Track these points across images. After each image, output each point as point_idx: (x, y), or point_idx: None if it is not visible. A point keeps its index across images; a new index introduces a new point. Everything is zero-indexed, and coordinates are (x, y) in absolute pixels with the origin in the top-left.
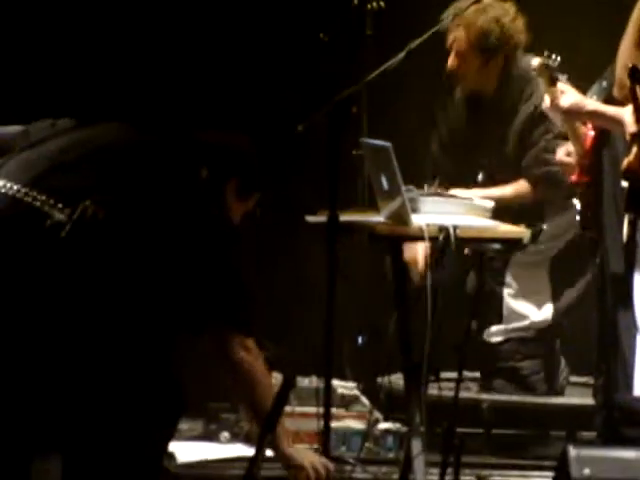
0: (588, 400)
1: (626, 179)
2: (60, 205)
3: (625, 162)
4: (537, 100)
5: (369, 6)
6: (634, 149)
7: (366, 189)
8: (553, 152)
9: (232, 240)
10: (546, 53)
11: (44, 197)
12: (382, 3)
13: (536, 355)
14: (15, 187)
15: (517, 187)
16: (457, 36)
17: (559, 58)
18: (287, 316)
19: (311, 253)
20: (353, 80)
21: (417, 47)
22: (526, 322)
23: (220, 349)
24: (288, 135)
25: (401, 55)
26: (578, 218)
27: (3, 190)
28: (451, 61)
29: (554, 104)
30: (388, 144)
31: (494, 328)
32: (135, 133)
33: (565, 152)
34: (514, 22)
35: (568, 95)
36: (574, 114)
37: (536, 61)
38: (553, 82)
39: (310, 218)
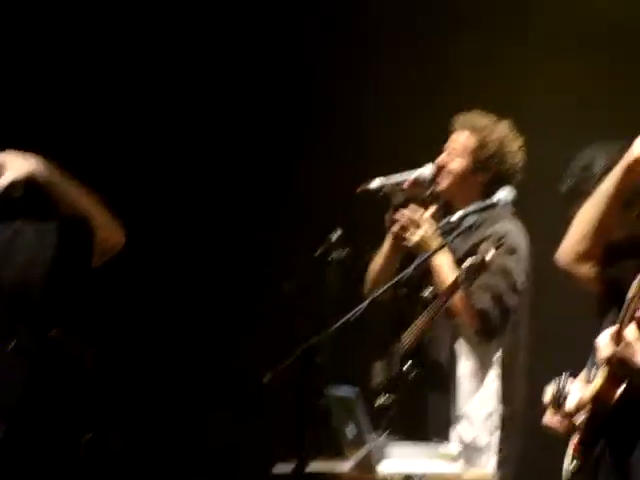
0: None
1: (593, 410)
2: None
3: (593, 389)
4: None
5: (331, 256)
6: (603, 374)
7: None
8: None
9: None
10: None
11: None
12: (344, 253)
13: None
14: None
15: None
16: (459, 137)
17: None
18: None
19: None
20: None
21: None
22: None
23: None
24: (255, 386)
25: (364, 305)
26: None
27: None
28: (443, 157)
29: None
30: (353, 394)
31: None
32: None
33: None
34: (517, 151)
35: None
36: None
37: None
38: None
39: (276, 469)
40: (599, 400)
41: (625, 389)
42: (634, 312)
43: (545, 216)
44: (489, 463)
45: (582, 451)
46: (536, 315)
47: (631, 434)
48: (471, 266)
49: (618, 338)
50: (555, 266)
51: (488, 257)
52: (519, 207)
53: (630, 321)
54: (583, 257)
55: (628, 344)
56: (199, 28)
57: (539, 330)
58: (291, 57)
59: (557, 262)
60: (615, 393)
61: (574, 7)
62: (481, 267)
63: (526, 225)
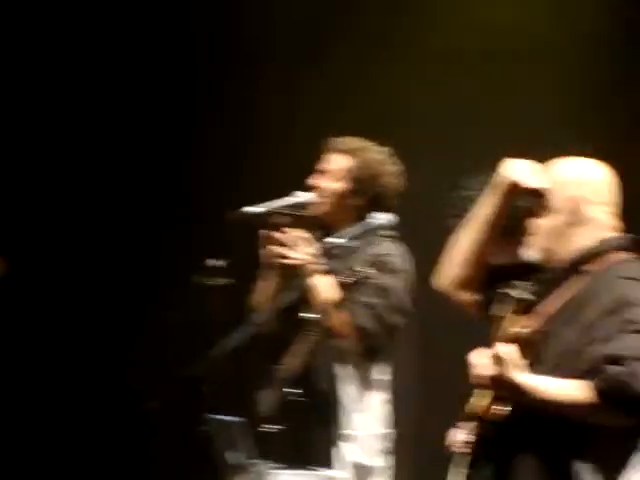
0: None
1: (467, 420)
2: None
3: (470, 404)
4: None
5: (212, 282)
6: (480, 392)
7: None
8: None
9: None
10: None
11: None
12: (224, 280)
13: None
14: None
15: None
16: (336, 159)
17: None
18: None
19: None
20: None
21: None
22: None
23: None
24: (143, 414)
25: (247, 330)
26: None
27: None
28: (320, 180)
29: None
30: (236, 419)
31: None
32: None
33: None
34: (396, 175)
35: None
36: None
37: None
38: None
39: None
40: (485, 421)
41: (512, 409)
42: (512, 333)
43: (427, 241)
44: None
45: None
46: (426, 337)
47: (520, 452)
48: (347, 284)
49: (495, 357)
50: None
51: (362, 274)
52: (401, 231)
53: (505, 340)
54: (461, 283)
55: (508, 363)
56: (86, 22)
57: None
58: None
59: (435, 287)
60: (502, 412)
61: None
62: (356, 284)
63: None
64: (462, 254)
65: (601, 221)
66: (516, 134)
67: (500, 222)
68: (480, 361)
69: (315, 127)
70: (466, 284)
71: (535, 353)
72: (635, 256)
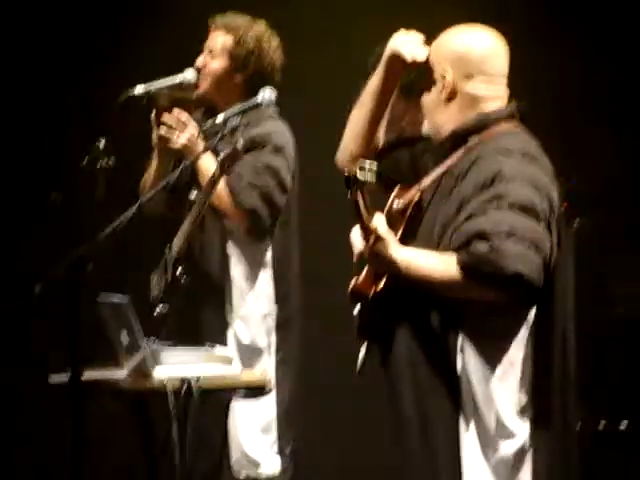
0: None
1: (353, 301)
2: None
3: (353, 282)
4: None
5: (99, 164)
6: (365, 269)
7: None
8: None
9: None
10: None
11: None
12: (112, 161)
13: None
14: None
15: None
16: (216, 36)
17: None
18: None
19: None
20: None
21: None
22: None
23: None
24: (26, 297)
25: (131, 211)
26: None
27: None
28: (201, 59)
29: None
30: (125, 300)
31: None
32: None
33: None
34: (275, 49)
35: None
36: None
37: None
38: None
39: (53, 378)
40: (359, 294)
41: (385, 283)
42: (390, 205)
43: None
44: (267, 364)
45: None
46: (306, 218)
47: (397, 328)
48: (225, 157)
49: (365, 233)
50: (323, 170)
51: (239, 146)
52: (284, 109)
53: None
54: (356, 157)
55: (379, 238)
56: None
57: (310, 233)
58: None
59: (337, 164)
60: (377, 287)
61: None
62: (235, 157)
63: (291, 127)
64: (356, 128)
65: (484, 93)
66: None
67: (387, 97)
68: (358, 238)
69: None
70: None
71: (411, 226)
72: (518, 126)
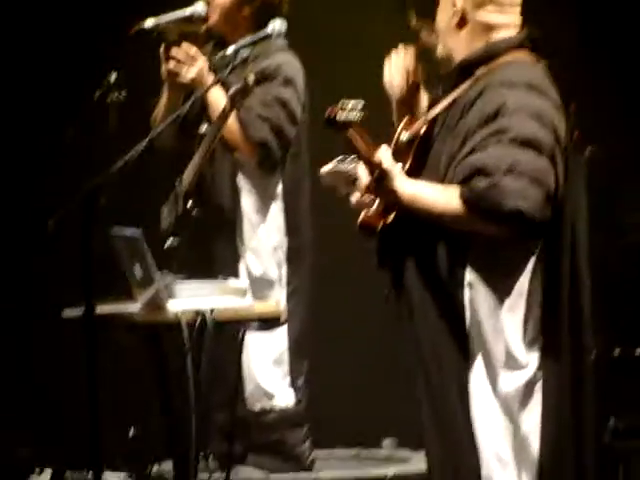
0: None
1: (362, 234)
2: None
3: (362, 215)
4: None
5: (110, 98)
6: (377, 202)
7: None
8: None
9: None
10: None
11: None
12: (123, 94)
13: (302, 423)
14: None
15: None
16: None
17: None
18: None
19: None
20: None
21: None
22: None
23: None
24: (40, 230)
25: (143, 144)
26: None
27: None
28: None
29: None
30: (138, 233)
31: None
32: None
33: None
34: None
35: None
36: None
37: None
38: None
39: (67, 312)
40: (368, 227)
41: (395, 216)
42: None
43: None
44: (279, 296)
45: None
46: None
47: (407, 259)
48: (236, 92)
49: (370, 166)
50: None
51: (250, 80)
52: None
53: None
54: None
55: (383, 171)
56: None
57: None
58: None
59: None
60: (386, 220)
61: None
62: (245, 91)
63: (301, 58)
64: None
65: (495, 21)
66: None
67: None
68: (363, 172)
69: None
70: None
71: (420, 158)
72: (528, 55)
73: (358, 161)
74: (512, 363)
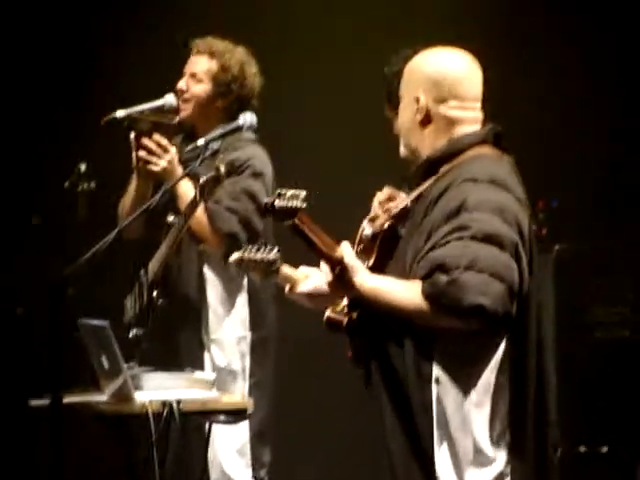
0: None
1: (329, 331)
2: None
3: (328, 311)
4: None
5: (80, 188)
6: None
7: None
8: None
9: None
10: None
11: None
12: (93, 184)
13: None
14: None
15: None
16: (199, 61)
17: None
18: None
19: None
20: (65, 262)
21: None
22: None
23: None
24: (7, 318)
25: (112, 235)
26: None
27: None
28: (182, 82)
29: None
30: (105, 323)
31: None
32: None
33: None
34: (256, 75)
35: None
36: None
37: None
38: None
39: (34, 402)
40: (334, 324)
41: (360, 312)
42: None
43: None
44: (242, 387)
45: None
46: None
47: (374, 356)
48: (206, 181)
49: (330, 262)
50: None
51: (222, 170)
52: (262, 134)
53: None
54: None
55: (344, 266)
56: None
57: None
58: None
59: None
60: (352, 316)
61: None
62: (217, 180)
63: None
64: None
65: (458, 117)
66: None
67: None
68: (325, 267)
69: (185, 28)
70: None
71: (385, 253)
72: (491, 150)
73: (267, 246)
74: (480, 459)
